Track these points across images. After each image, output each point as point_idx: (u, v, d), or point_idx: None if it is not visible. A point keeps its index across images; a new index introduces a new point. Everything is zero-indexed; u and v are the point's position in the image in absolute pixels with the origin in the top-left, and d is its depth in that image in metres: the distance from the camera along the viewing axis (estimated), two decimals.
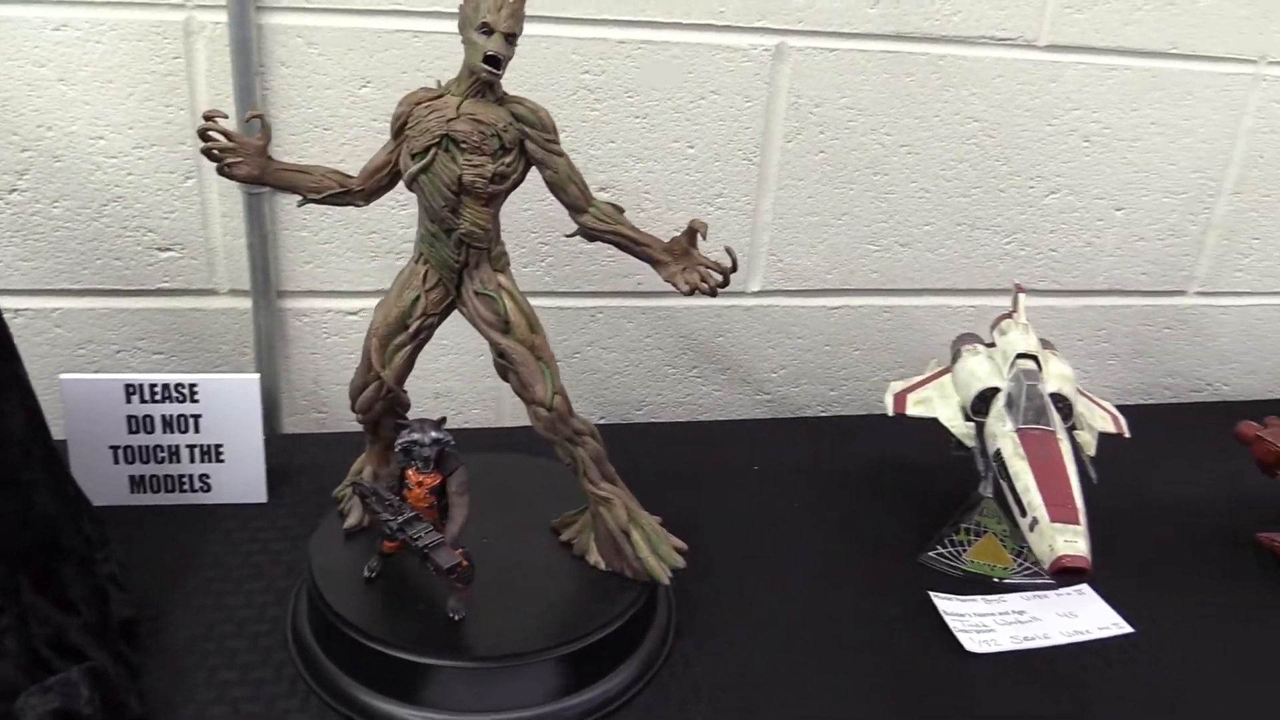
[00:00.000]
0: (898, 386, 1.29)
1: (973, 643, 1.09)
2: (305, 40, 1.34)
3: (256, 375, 1.24)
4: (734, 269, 0.95)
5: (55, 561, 0.97)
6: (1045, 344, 1.24)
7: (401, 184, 0.98)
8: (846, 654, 1.08)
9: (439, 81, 1.00)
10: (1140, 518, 1.35)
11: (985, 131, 1.52)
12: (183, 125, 1.36)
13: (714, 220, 1.50)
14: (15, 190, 1.35)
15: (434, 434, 0.92)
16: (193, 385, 1.21)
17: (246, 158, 0.97)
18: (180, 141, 1.37)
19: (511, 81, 1.36)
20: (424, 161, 0.93)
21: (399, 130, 0.97)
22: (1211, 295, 1.71)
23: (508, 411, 1.57)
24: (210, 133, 0.97)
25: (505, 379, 0.99)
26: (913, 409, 1.23)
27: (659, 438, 1.50)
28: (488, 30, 0.91)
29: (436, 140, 0.92)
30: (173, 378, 1.22)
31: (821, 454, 1.46)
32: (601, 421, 1.57)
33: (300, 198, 1.01)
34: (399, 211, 1.42)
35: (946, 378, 1.26)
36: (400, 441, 0.93)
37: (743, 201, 1.50)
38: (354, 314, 1.49)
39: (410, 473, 0.94)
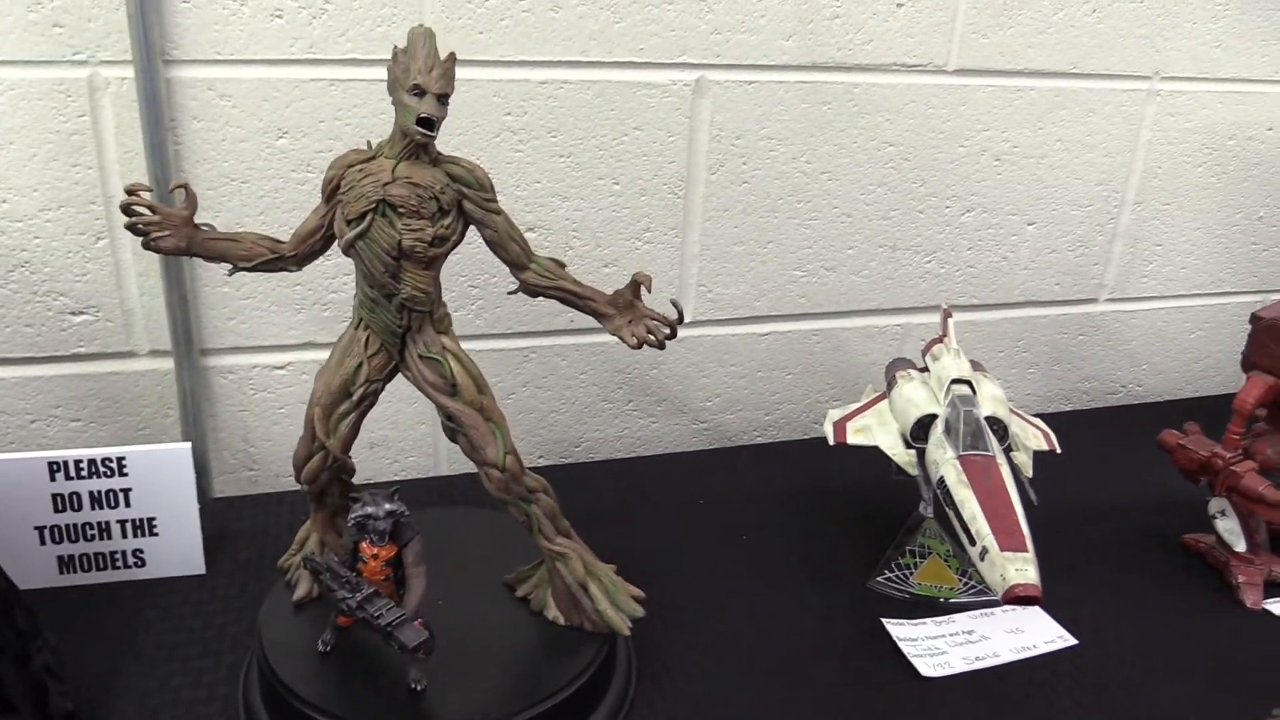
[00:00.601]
0: (836, 415, 1.31)
1: (927, 667, 1.12)
2: (217, 93, 1.30)
3: (188, 444, 1.20)
4: (681, 320, 0.96)
5: None
6: (976, 366, 1.27)
7: (335, 247, 0.96)
8: (806, 684, 1.09)
9: (369, 142, 0.98)
10: (1071, 524, 1.39)
11: (901, 155, 1.56)
12: (91, 185, 1.31)
13: (642, 254, 1.51)
14: None
15: (388, 506, 0.90)
16: (120, 458, 1.17)
17: (173, 230, 0.94)
18: (90, 201, 1.32)
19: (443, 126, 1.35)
20: (361, 228, 0.91)
21: (331, 194, 0.95)
22: (1121, 301, 1.78)
23: (444, 459, 1.55)
24: (134, 207, 0.93)
25: (454, 440, 0.98)
26: (853, 438, 1.25)
27: (600, 475, 1.50)
28: (419, 92, 0.90)
29: (373, 205, 0.91)
30: (99, 452, 1.17)
31: (762, 482, 1.48)
32: (540, 462, 1.57)
33: (230, 266, 0.98)
34: (323, 262, 1.38)
35: (884, 404, 1.28)
36: (353, 516, 0.91)
37: (670, 235, 1.51)
38: (280, 368, 1.45)
39: (364, 546, 0.92)
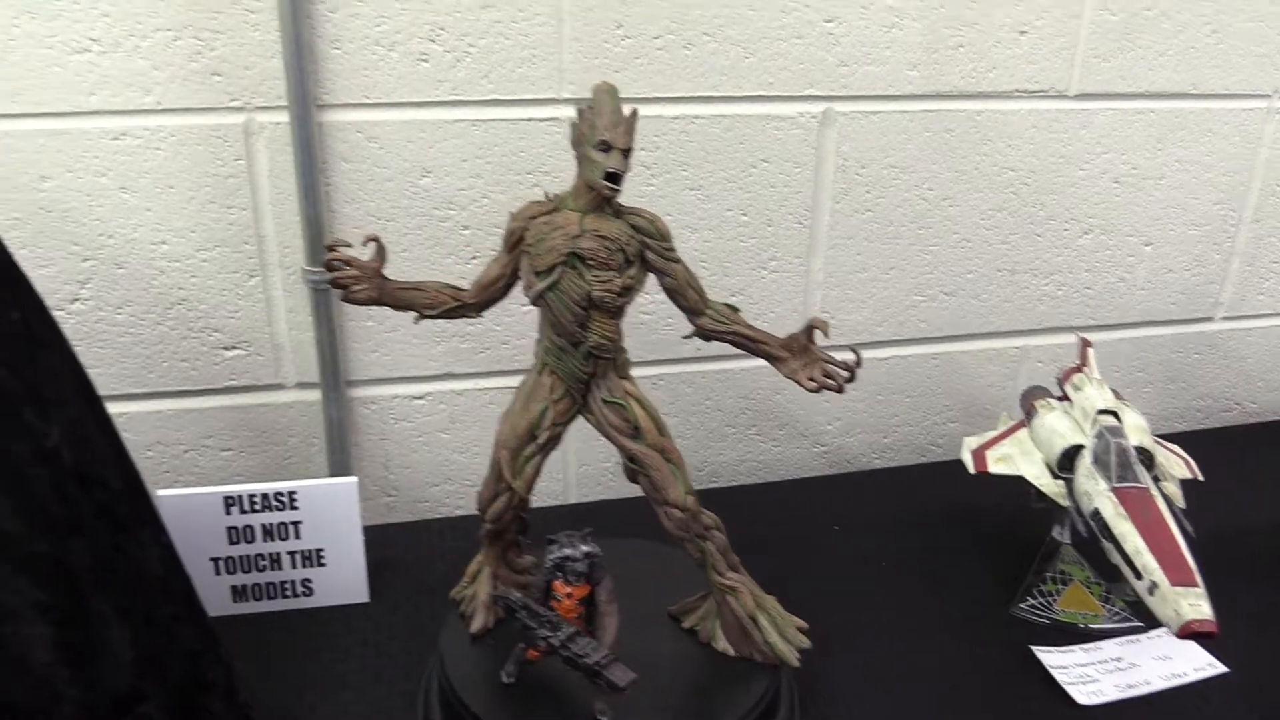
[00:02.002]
0: (973, 442, 1.32)
1: (1082, 695, 1.13)
2: (365, 135, 1.34)
3: (354, 479, 1.24)
4: (859, 364, 0.98)
5: (202, 696, 0.97)
6: (1116, 394, 1.29)
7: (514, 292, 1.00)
8: (964, 713, 1.11)
9: (547, 194, 1.02)
10: (1208, 547, 1.40)
11: (1021, 180, 1.57)
12: (245, 226, 1.36)
13: (768, 283, 1.54)
14: (77, 300, 1.34)
15: (584, 548, 0.94)
16: (292, 492, 1.21)
17: (368, 281, 0.98)
18: (244, 241, 1.37)
19: (570, 163, 1.38)
20: (551, 279, 0.94)
21: (514, 244, 0.99)
22: (1237, 319, 1.78)
23: (574, 486, 1.58)
24: (335, 261, 0.97)
25: (635, 481, 1.01)
26: (994, 467, 1.27)
27: (727, 501, 1.51)
28: (606, 147, 0.93)
29: (563, 258, 0.94)
30: (271, 486, 1.22)
31: (890, 508, 1.50)
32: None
33: (416, 314, 1.02)
34: None
35: (1023, 433, 1.30)
36: (552, 557, 0.95)
37: (795, 263, 1.53)
38: (420, 398, 1.49)
39: (558, 584, 0.96)
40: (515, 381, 1.50)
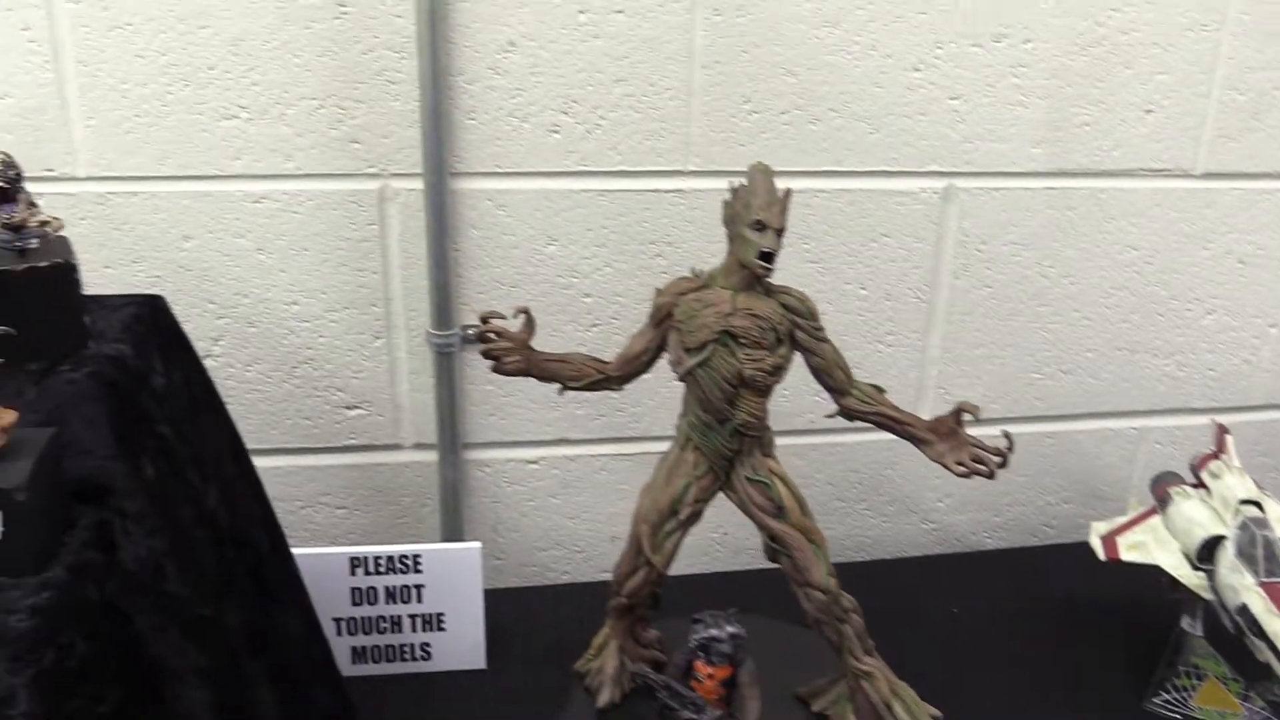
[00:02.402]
0: (1102, 528, 1.29)
1: None
2: (495, 203, 1.37)
3: (478, 544, 1.25)
4: (1010, 449, 0.97)
5: None
6: (1257, 484, 1.25)
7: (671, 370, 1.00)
8: None
9: (694, 271, 1.02)
10: None
11: (1144, 259, 1.55)
12: (374, 288, 1.38)
13: (884, 357, 1.52)
14: (209, 356, 1.37)
15: (730, 629, 0.93)
16: (416, 556, 1.22)
17: (518, 353, 0.99)
18: (371, 304, 1.39)
19: (693, 234, 1.40)
20: (702, 356, 0.95)
21: (661, 319, 0.99)
22: None
23: (681, 558, 1.57)
24: (487, 333, 0.99)
25: (775, 561, 1.00)
26: (1127, 554, 1.24)
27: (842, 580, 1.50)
28: (761, 226, 0.93)
29: (715, 336, 0.94)
30: (396, 549, 1.23)
31: (1009, 591, 1.46)
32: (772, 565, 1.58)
33: (560, 386, 1.03)
34: None
35: (1156, 520, 1.26)
36: (696, 638, 0.94)
37: (912, 338, 1.52)
38: (534, 463, 1.50)
39: (700, 665, 0.95)
40: (629, 449, 1.52)
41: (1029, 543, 1.67)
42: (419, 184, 1.34)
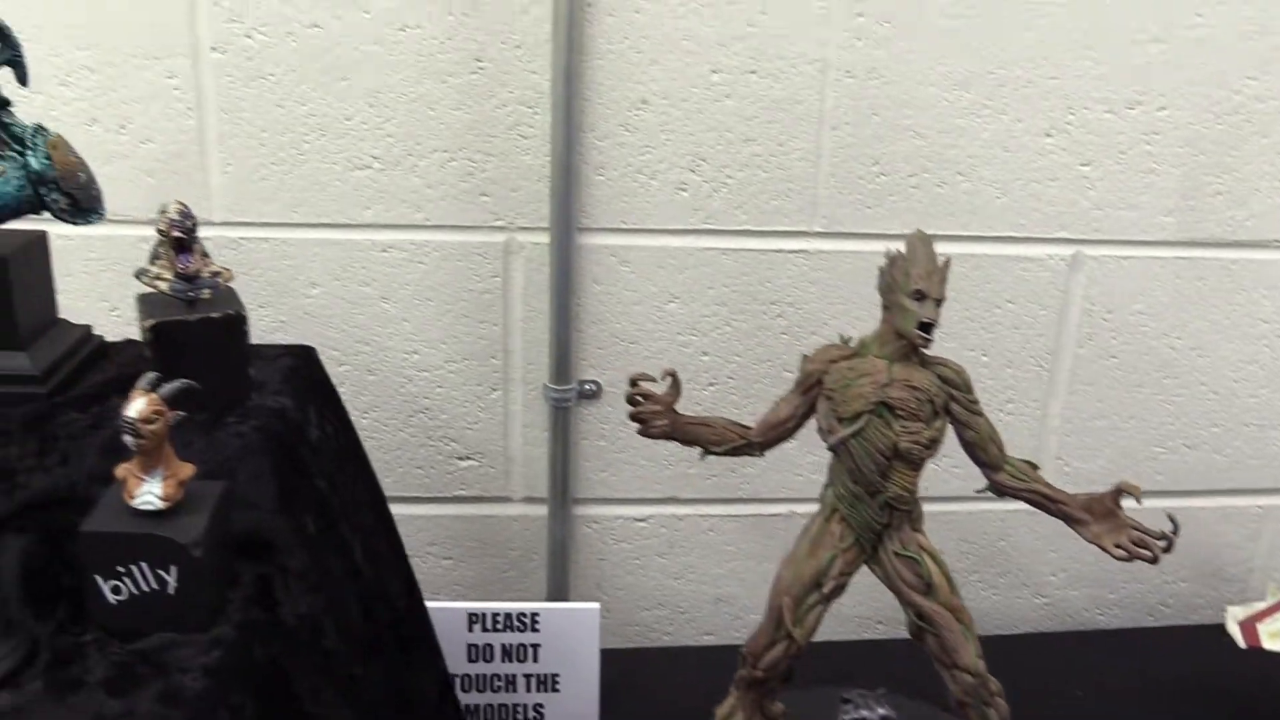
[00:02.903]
0: (1239, 613, 1.24)
1: None
2: (619, 259, 1.36)
3: (596, 605, 1.23)
4: (1176, 533, 0.93)
5: None
6: None
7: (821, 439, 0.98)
8: None
9: (843, 338, 1.00)
10: None
11: (1275, 332, 1.50)
12: (494, 340, 1.38)
13: (1002, 425, 1.47)
14: None
15: (881, 711, 0.90)
16: (534, 614, 1.20)
17: (665, 416, 0.98)
18: (491, 356, 1.39)
19: (816, 296, 1.38)
20: (856, 427, 0.92)
21: (810, 386, 0.97)
22: None
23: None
24: (636, 395, 0.97)
25: (920, 640, 0.97)
26: (1270, 643, 1.19)
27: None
28: (920, 296, 0.91)
29: (871, 406, 0.92)
30: (514, 606, 1.21)
31: (1128, 672, 1.41)
32: (879, 630, 1.54)
33: (701, 450, 1.01)
34: None
35: None
36: (847, 719, 0.91)
37: (1032, 406, 1.49)
38: (642, 521, 1.48)
39: None
40: (739, 510, 1.50)
41: (1144, 622, 1.62)
42: (545, 238, 1.34)
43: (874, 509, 0.94)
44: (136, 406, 0.68)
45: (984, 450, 0.96)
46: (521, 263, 1.35)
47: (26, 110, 1.16)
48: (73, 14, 1.22)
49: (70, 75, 1.26)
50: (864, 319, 1.40)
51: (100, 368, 0.91)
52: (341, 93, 1.28)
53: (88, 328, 0.96)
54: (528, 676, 1.21)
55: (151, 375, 0.71)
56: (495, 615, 1.20)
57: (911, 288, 0.91)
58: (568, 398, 1.38)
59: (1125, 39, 1.34)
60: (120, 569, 0.69)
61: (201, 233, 1.30)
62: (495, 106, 1.30)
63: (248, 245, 1.33)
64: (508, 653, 1.21)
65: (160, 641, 0.69)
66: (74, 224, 0.86)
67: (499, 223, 1.34)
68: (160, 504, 0.70)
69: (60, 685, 0.65)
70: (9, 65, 0.84)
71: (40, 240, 0.89)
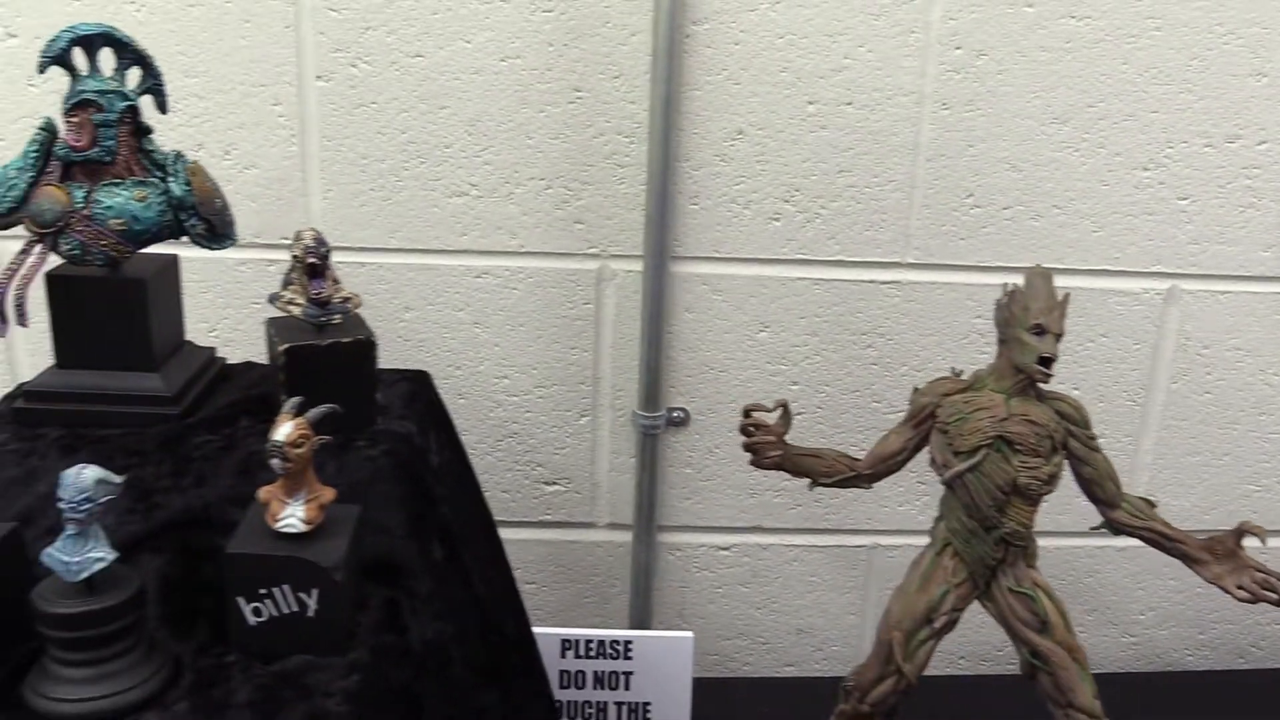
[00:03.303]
0: None
1: None
2: (710, 287, 1.36)
3: (690, 634, 1.22)
4: None
5: None
6: None
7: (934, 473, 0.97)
8: None
9: (955, 371, 1.00)
10: None
11: None
12: (584, 366, 1.39)
13: None
14: None
15: None
16: (628, 641, 1.20)
17: (778, 447, 0.98)
18: (580, 381, 1.39)
19: (906, 327, 1.37)
20: (974, 461, 0.92)
21: (923, 419, 0.97)
22: None
23: (865, 657, 1.52)
24: (750, 426, 0.97)
25: (1033, 679, 0.95)
26: None
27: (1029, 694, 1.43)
28: (1040, 331, 0.90)
29: (989, 440, 0.91)
30: (608, 633, 1.21)
31: (1223, 718, 1.38)
32: (961, 666, 1.52)
33: (810, 481, 1.01)
34: None
35: None
36: None
37: (1123, 441, 1.47)
38: (726, 549, 1.47)
39: None
40: (823, 540, 1.49)
41: (1235, 664, 1.58)
42: (637, 265, 1.34)
43: (989, 544, 0.93)
44: (284, 430, 0.69)
45: (1101, 487, 0.94)
46: (613, 290, 1.36)
47: None
48: (183, 43, 1.25)
49: (178, 102, 1.28)
50: (955, 350, 1.40)
51: (224, 389, 0.93)
52: (442, 121, 1.30)
53: (212, 350, 0.98)
54: (619, 704, 1.21)
55: (295, 400, 0.72)
56: (588, 642, 1.20)
57: (1031, 322, 0.90)
58: (657, 425, 1.38)
59: (1225, 73, 1.33)
60: (262, 591, 0.70)
61: None
62: (592, 136, 1.31)
63: (344, 269, 1.33)
64: (599, 680, 1.20)
65: (299, 664, 0.70)
66: (209, 249, 0.87)
67: (593, 250, 1.35)
68: (303, 527, 0.70)
69: (206, 707, 0.65)
70: (150, 93, 0.86)
71: (173, 264, 0.91)
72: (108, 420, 0.83)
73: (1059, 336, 0.91)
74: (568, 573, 1.47)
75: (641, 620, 1.46)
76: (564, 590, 1.48)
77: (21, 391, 0.86)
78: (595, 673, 1.21)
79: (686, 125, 1.31)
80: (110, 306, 0.83)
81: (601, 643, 1.20)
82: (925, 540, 1.47)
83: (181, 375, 0.87)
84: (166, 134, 1.27)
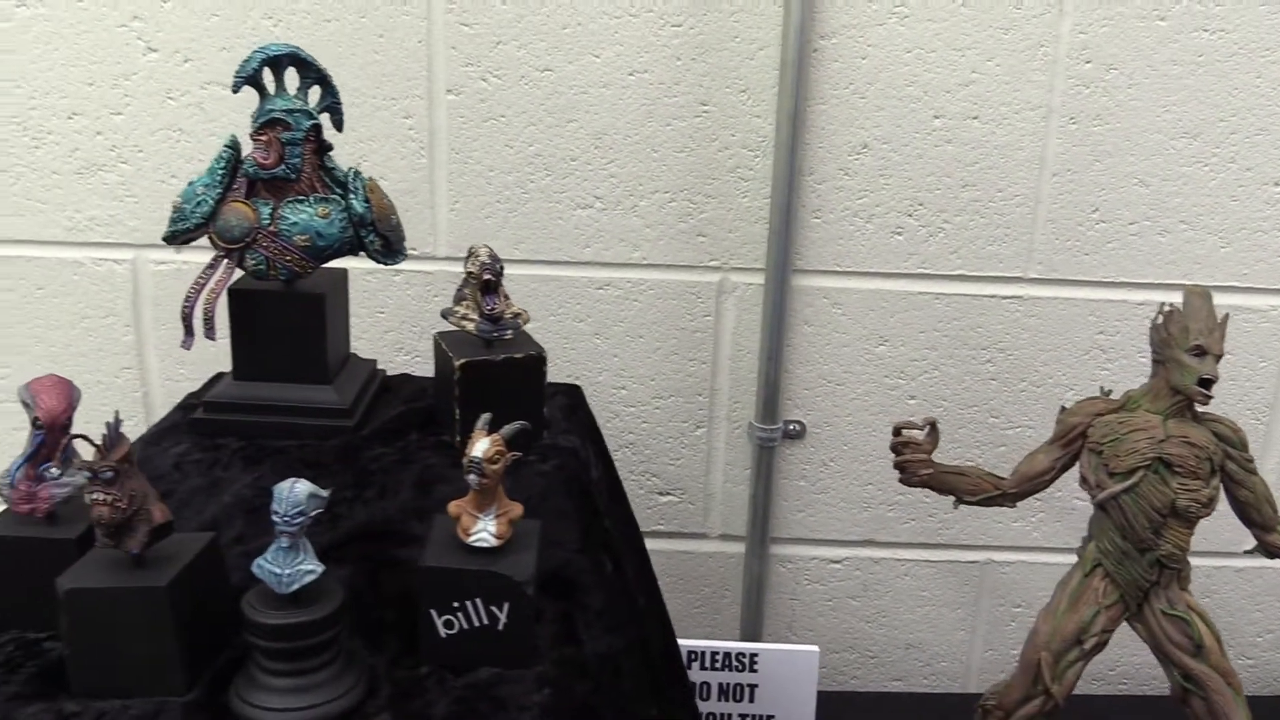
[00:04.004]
0: None
1: None
2: (830, 301, 1.37)
3: (815, 648, 1.22)
4: None
5: None
6: None
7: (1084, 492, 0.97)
8: None
9: (1104, 390, 0.99)
10: None
11: None
12: (702, 378, 1.39)
13: None
14: None
15: None
16: (754, 655, 1.21)
17: (927, 462, 0.98)
18: (697, 393, 1.40)
19: (1027, 342, 1.36)
20: (1131, 482, 0.91)
21: (1074, 439, 0.96)
22: None
23: (975, 673, 1.51)
24: (900, 444, 0.98)
25: (1184, 703, 0.94)
26: None
27: (1136, 711, 1.42)
28: (1200, 352, 0.90)
29: (1147, 462, 0.90)
30: (734, 646, 1.22)
31: None
32: (1126, 691, 1.50)
33: (955, 499, 1.00)
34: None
35: None
36: None
37: None
38: (837, 563, 1.47)
39: None
40: (935, 555, 1.48)
41: None
42: (758, 278, 1.35)
43: (1143, 566, 0.92)
44: (482, 447, 0.70)
45: (1258, 510, 0.93)
46: (733, 302, 1.37)
47: None
48: (318, 56, 1.27)
49: None
50: (1074, 366, 1.39)
51: (387, 401, 0.94)
52: (569, 134, 1.31)
53: (373, 362, 1.00)
54: (743, 717, 1.21)
55: (486, 416, 0.73)
56: (714, 654, 1.20)
57: (1191, 343, 0.90)
58: (773, 437, 1.38)
59: None
60: (455, 604, 0.71)
61: (425, 266, 1.35)
62: (717, 149, 1.32)
63: None
64: (724, 692, 1.21)
65: (489, 676, 0.71)
66: (384, 264, 0.89)
67: (714, 263, 1.36)
68: (495, 541, 0.72)
69: (407, 719, 0.67)
70: (327, 111, 0.88)
71: (343, 279, 0.93)
72: (284, 431, 0.85)
73: (1219, 358, 0.90)
74: (680, 583, 1.48)
75: (752, 632, 1.46)
76: (675, 601, 1.49)
77: (199, 402, 0.88)
78: (720, 684, 1.21)
79: (811, 139, 1.31)
80: (289, 320, 0.85)
81: (727, 655, 1.21)
82: (1040, 557, 1.47)
83: (352, 388, 0.89)
84: None
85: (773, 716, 1.22)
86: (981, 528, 1.46)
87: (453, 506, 0.73)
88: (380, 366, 1.07)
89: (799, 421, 1.41)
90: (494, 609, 0.71)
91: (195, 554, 0.70)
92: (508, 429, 0.72)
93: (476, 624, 0.71)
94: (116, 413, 0.67)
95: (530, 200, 1.33)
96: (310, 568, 0.66)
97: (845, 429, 1.41)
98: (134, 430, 1.41)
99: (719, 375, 1.40)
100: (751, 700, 1.22)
